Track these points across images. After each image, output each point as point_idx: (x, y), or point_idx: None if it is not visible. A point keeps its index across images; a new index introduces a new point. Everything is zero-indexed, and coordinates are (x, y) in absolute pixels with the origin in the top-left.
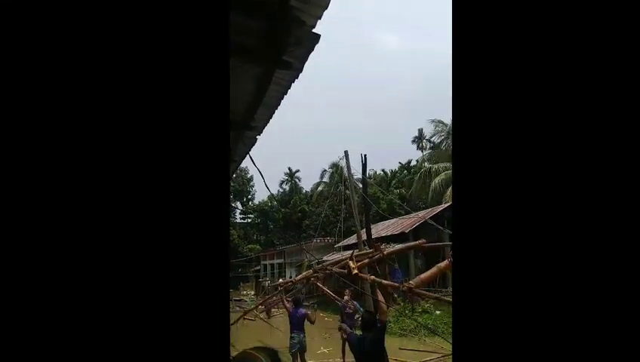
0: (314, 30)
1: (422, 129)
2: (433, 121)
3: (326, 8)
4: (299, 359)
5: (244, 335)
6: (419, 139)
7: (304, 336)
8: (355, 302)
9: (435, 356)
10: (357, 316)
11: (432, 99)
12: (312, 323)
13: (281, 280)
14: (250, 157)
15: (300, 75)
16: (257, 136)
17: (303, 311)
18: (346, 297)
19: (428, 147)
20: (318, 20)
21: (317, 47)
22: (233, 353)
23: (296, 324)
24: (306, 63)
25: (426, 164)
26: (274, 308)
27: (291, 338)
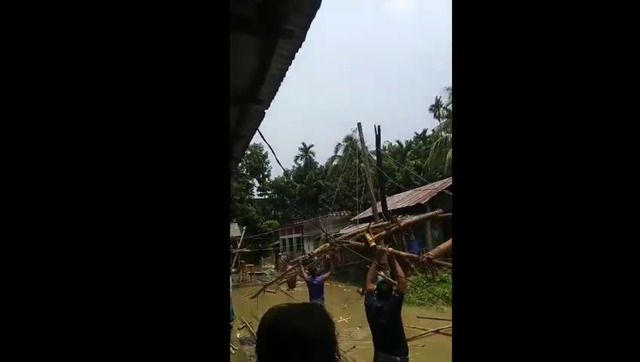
0: None
1: (439, 97)
2: (449, 88)
3: None
4: None
5: (266, 307)
6: (436, 107)
7: (323, 303)
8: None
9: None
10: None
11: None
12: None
13: (307, 254)
14: (260, 133)
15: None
16: (265, 110)
17: (320, 277)
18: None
19: (444, 115)
20: None
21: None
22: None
23: (315, 292)
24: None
25: (442, 133)
26: (297, 280)
27: None
